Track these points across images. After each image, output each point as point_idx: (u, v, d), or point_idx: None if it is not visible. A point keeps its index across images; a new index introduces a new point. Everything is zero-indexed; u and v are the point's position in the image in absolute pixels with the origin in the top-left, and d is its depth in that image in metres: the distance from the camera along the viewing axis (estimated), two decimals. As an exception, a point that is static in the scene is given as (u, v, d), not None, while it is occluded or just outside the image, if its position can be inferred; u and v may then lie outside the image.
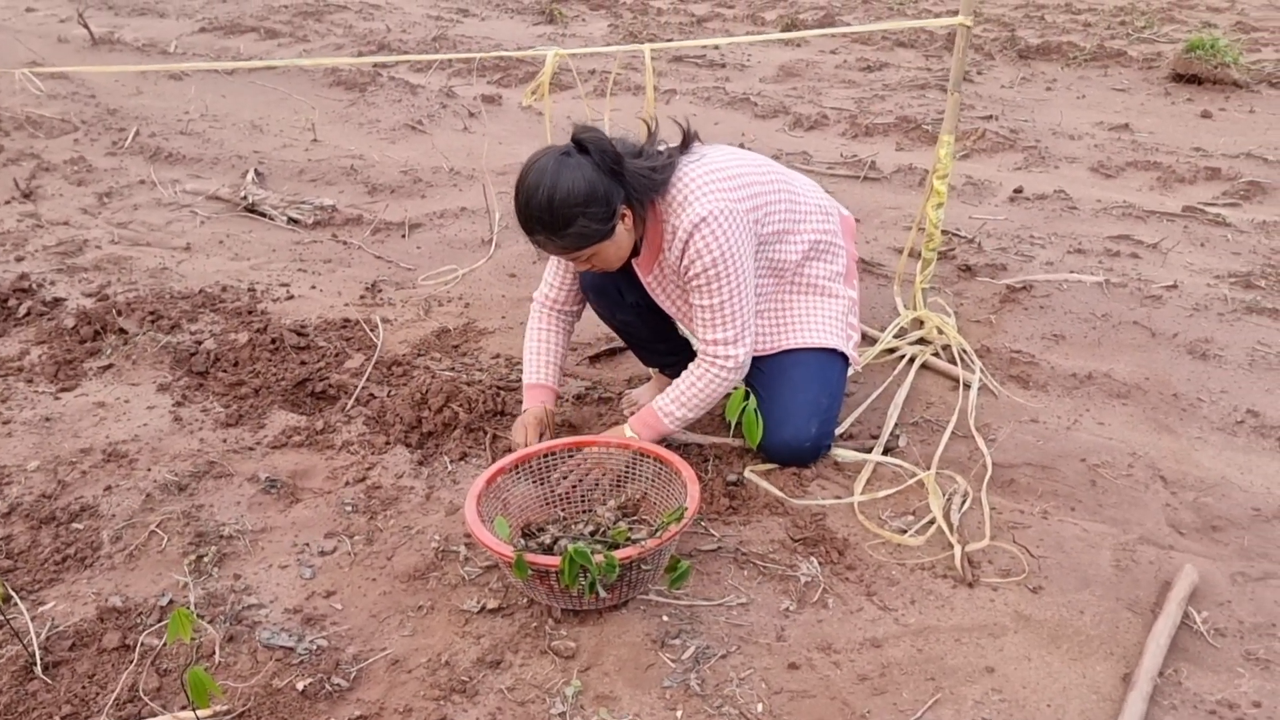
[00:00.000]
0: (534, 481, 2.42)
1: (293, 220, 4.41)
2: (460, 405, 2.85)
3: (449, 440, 2.76)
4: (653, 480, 2.40)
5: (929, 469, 2.64)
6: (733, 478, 2.58)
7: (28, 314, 3.41)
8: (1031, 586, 2.23)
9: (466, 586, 2.24)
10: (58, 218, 4.44)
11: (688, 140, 2.51)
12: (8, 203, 4.69)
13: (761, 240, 2.53)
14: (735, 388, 2.46)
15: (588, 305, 2.82)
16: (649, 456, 2.39)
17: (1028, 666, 2.02)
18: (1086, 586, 2.23)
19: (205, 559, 2.28)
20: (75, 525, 2.40)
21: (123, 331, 3.25)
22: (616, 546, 2.13)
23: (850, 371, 2.79)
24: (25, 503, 2.47)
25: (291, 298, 3.64)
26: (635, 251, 2.54)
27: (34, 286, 3.60)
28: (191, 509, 2.45)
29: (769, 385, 2.65)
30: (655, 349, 2.93)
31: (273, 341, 3.16)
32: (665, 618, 2.14)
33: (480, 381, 3.02)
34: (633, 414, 2.85)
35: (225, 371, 3.08)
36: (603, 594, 2.06)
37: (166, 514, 2.42)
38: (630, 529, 2.30)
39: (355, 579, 2.26)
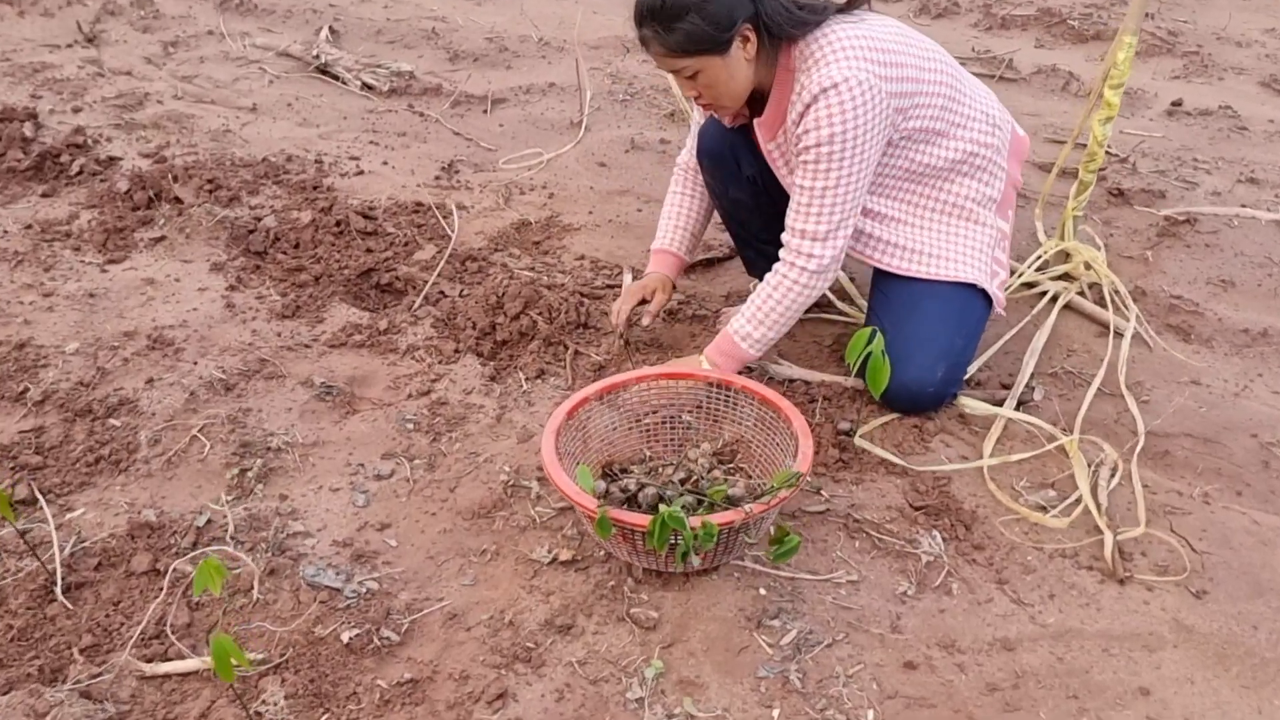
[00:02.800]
0: (619, 412, 2.12)
1: (367, 86, 4.06)
2: (539, 313, 2.54)
3: (525, 353, 2.46)
4: (754, 424, 2.08)
5: (1071, 433, 2.27)
6: (845, 426, 2.25)
7: (80, 173, 3.15)
8: (1194, 589, 1.89)
9: (537, 530, 1.97)
10: (120, 66, 4.14)
11: (855, 1, 2.12)
12: (69, 46, 4.40)
13: (903, 135, 2.16)
14: (816, 296, 2.19)
15: None
16: (753, 397, 2.07)
17: (1190, 692, 1.70)
18: (1260, 595, 1.88)
19: (249, 474, 2.04)
20: (112, 421, 2.17)
21: (178, 200, 2.98)
22: (710, 505, 1.83)
23: (992, 314, 2.41)
24: (61, 390, 2.24)
25: (361, 173, 3.32)
26: (759, 109, 2.18)
27: (89, 142, 3.34)
28: (238, 413, 2.20)
29: (895, 315, 2.30)
30: (763, 250, 2.56)
31: (338, 224, 2.87)
32: (762, 590, 1.85)
33: (562, 286, 2.70)
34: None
35: (284, 254, 2.80)
36: (695, 563, 1.77)
37: (210, 417, 2.18)
38: (726, 480, 2.00)
39: (413, 511, 2.01)
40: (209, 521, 1.93)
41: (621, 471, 2.08)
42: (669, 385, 2.13)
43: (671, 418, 2.14)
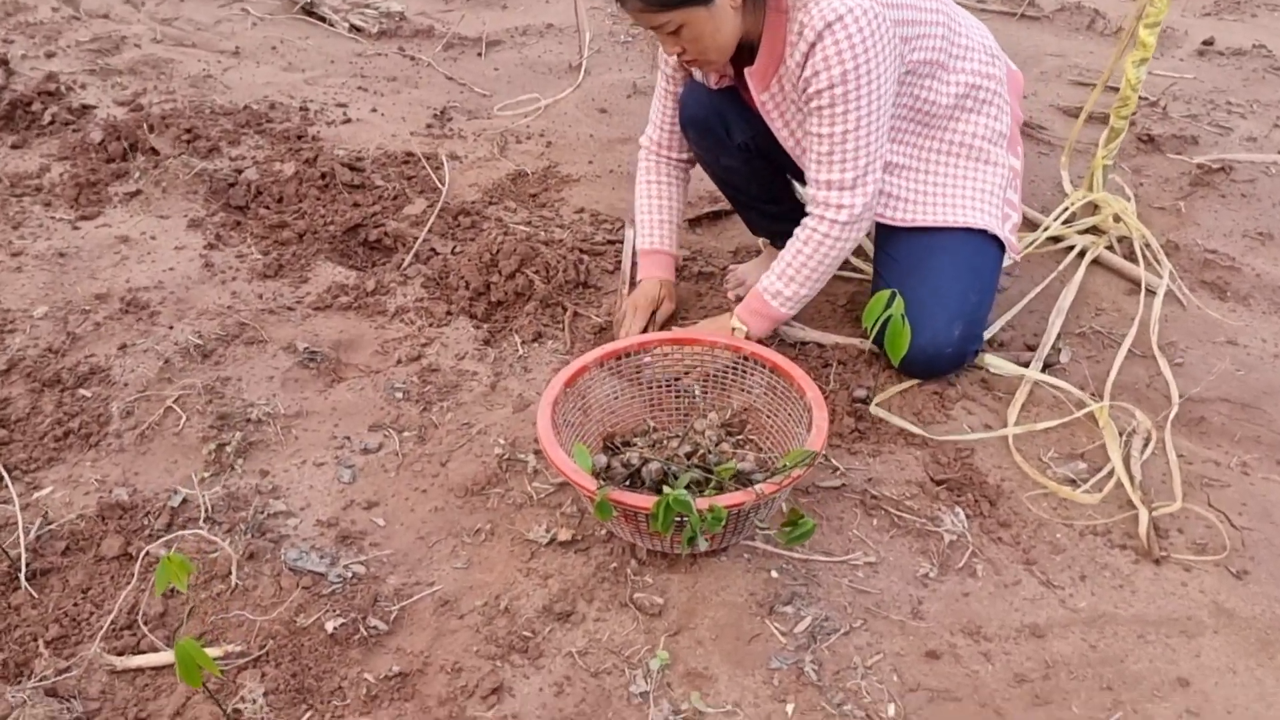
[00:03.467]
0: (621, 379, 1.98)
1: (355, 28, 3.87)
2: (536, 271, 2.39)
3: (521, 314, 2.32)
4: (764, 392, 1.95)
5: (1101, 399, 2.14)
6: (861, 393, 2.12)
7: (52, 122, 2.98)
8: (1234, 569, 1.77)
9: (534, 508, 1.85)
10: (97, 8, 3.94)
11: None
12: (44, -13, 4.19)
13: (908, 68, 1.99)
14: (851, 249, 2.04)
15: None
16: (763, 364, 1.93)
17: (1233, 682, 1.59)
18: (1305, 575, 1.77)
19: (228, 448, 1.91)
20: (82, 392, 2.04)
21: (154, 151, 2.82)
22: (719, 482, 1.71)
23: (1007, 261, 2.26)
24: (28, 357, 2.11)
25: (348, 121, 3.15)
26: (749, 58, 2.00)
27: (62, 89, 3.16)
28: (216, 382, 2.07)
29: (903, 273, 2.14)
30: (765, 210, 2.41)
31: (323, 176, 2.71)
32: (774, 573, 1.73)
33: (561, 242, 2.55)
34: (739, 297, 2.38)
35: (267, 208, 2.65)
36: (702, 545, 1.65)
37: (186, 386, 2.05)
38: (735, 454, 1.87)
39: (402, 488, 1.89)
40: (184, 501, 1.81)
41: (624, 444, 1.95)
42: (674, 351, 1.99)
43: (676, 385, 2.01)
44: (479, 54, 3.71)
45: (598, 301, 2.39)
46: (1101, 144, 2.60)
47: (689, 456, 1.85)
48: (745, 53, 2.00)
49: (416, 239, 2.53)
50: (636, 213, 2.36)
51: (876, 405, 2.08)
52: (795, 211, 2.41)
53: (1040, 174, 2.97)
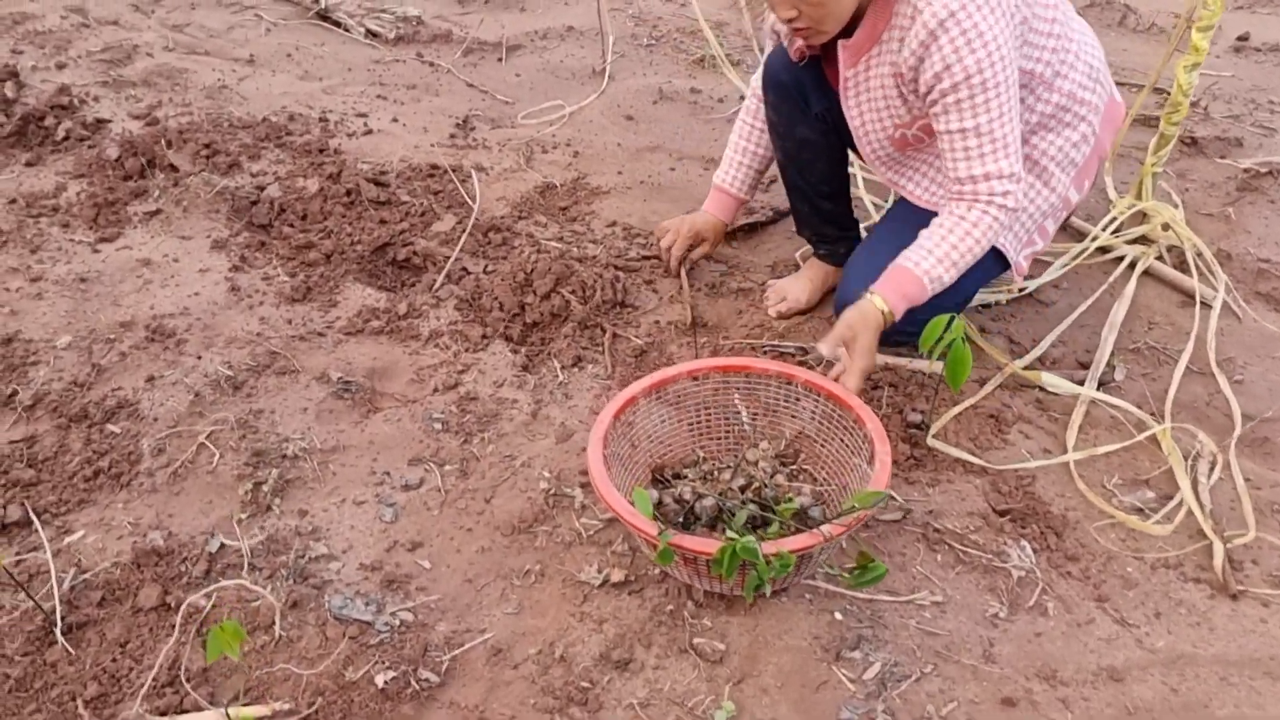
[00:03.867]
0: (669, 408, 1.91)
1: (371, 33, 3.79)
2: (572, 291, 2.32)
3: (558, 337, 2.25)
4: (815, 419, 1.87)
5: (1161, 419, 2.07)
6: (915, 418, 2.04)
7: (66, 138, 2.90)
8: (1315, 604, 1.70)
9: (583, 546, 1.79)
10: (106, 15, 3.85)
11: None
12: (51, -7, 4.10)
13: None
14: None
15: None
16: (816, 392, 1.86)
17: (1323, 728, 1.52)
18: (1387, 608, 1.70)
19: (264, 487, 1.85)
20: (111, 427, 1.97)
21: (173, 168, 2.74)
22: (767, 519, 1.64)
23: (1015, 282, 2.21)
24: (53, 391, 2.04)
25: (370, 132, 3.07)
26: (847, 32, 1.93)
27: (75, 103, 3.08)
28: (248, 415, 2.00)
29: (879, 231, 2.17)
30: (819, 205, 2.34)
31: (348, 193, 2.63)
32: (838, 615, 1.67)
33: (595, 259, 2.48)
34: (780, 313, 2.32)
35: (291, 226, 2.57)
36: (767, 591, 1.58)
37: (218, 421, 1.98)
38: (790, 486, 1.80)
39: (446, 526, 1.82)
40: (222, 546, 1.74)
41: (674, 476, 1.88)
42: (723, 379, 1.92)
43: (725, 412, 1.94)
44: (499, 59, 3.62)
45: (637, 322, 2.32)
46: (1151, 151, 2.52)
47: (743, 490, 1.78)
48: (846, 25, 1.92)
49: (448, 259, 2.45)
50: (727, 148, 2.39)
51: (934, 438, 2.00)
52: (845, 217, 2.36)
53: (1083, 180, 2.89)
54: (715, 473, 1.86)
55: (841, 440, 1.82)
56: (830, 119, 2.19)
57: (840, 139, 2.23)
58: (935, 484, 1.92)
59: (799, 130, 2.23)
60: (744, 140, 2.36)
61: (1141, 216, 2.58)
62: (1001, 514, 1.86)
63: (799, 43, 2.06)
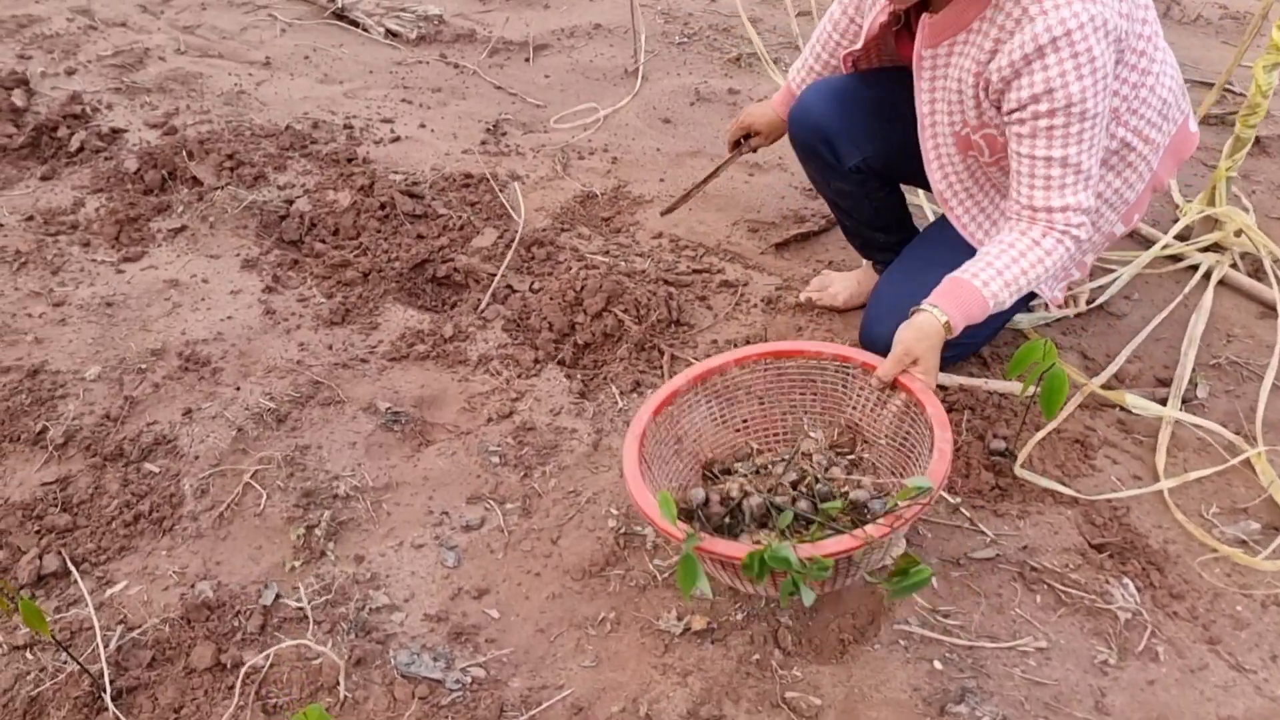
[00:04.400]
0: (718, 400, 1.81)
1: (391, 33, 3.65)
2: (625, 310, 2.21)
3: (613, 359, 2.14)
4: (876, 407, 1.76)
5: (1252, 441, 1.97)
6: (999, 445, 1.94)
7: (81, 149, 2.78)
8: None
9: (659, 590, 1.68)
10: (113, 17, 3.72)
11: None
12: (55, -6, 3.96)
13: None
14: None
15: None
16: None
17: None
18: None
19: (317, 531, 1.73)
20: (149, 466, 1.85)
21: (196, 181, 2.62)
22: (830, 518, 1.55)
23: (1052, 313, 2.13)
24: (85, 427, 1.93)
25: (397, 139, 2.95)
26: (936, 5, 1.79)
27: (88, 111, 2.95)
28: (295, 451, 1.89)
29: (906, 263, 2.04)
30: (874, 239, 2.24)
31: (382, 206, 2.51)
32: (938, 664, 1.56)
33: (644, 274, 2.36)
34: (812, 299, 2.26)
35: (323, 242, 2.46)
36: (809, 598, 1.44)
37: (264, 460, 1.87)
38: (847, 480, 1.69)
39: (512, 571, 1.71)
40: (277, 598, 1.63)
41: (724, 472, 1.78)
42: (773, 364, 1.81)
43: (780, 403, 1.84)
44: (526, 59, 3.49)
45: (694, 341, 2.21)
46: (1225, 154, 2.41)
47: (795, 485, 1.68)
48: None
49: (491, 276, 2.34)
50: (811, 39, 2.24)
51: (1021, 466, 1.89)
52: (902, 242, 2.23)
53: (1144, 182, 2.78)
54: (768, 466, 1.76)
55: (906, 430, 1.71)
56: (869, 167, 2.07)
57: (883, 183, 2.12)
58: (1025, 516, 1.82)
59: (834, 184, 2.14)
60: (819, 41, 2.19)
61: (1212, 222, 2.47)
62: (1098, 549, 1.76)
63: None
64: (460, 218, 2.51)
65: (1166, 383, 2.14)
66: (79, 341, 2.13)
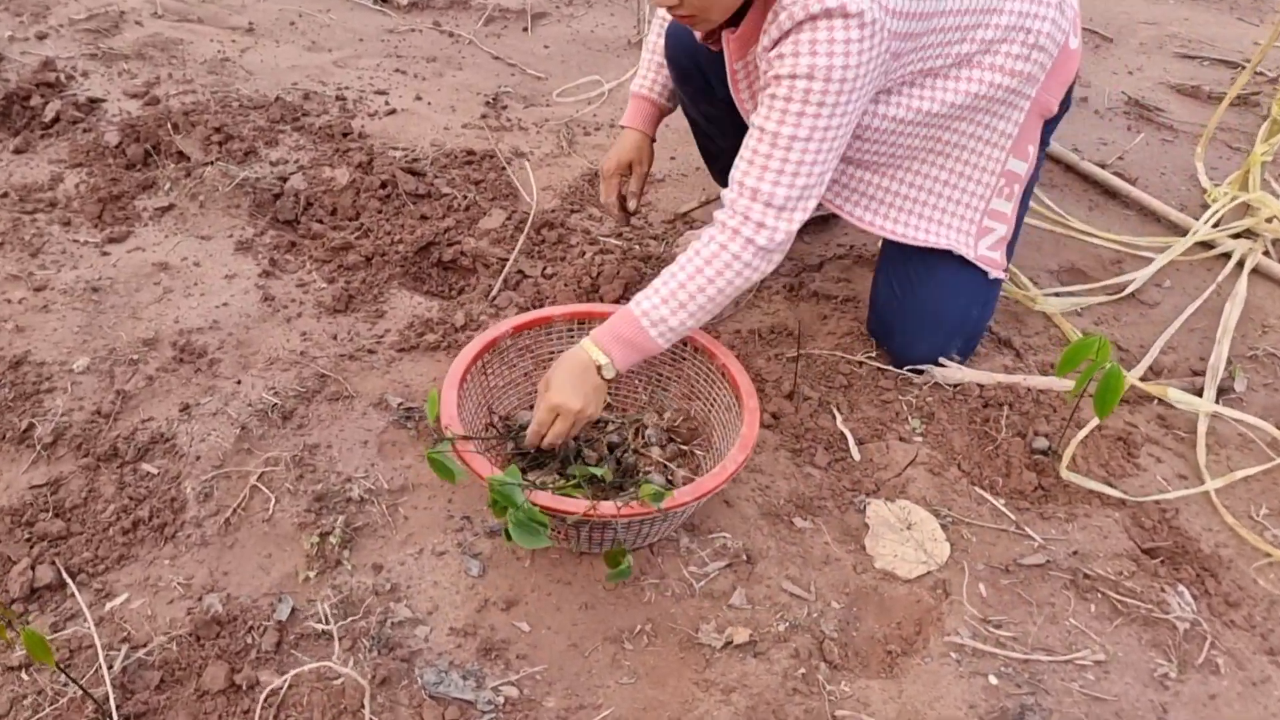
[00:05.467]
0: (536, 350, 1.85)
1: (381, -1, 3.49)
2: (644, 299, 2.10)
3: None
4: (721, 408, 1.76)
5: (1299, 437, 1.91)
6: (1041, 444, 1.86)
7: (57, 120, 2.61)
8: None
9: (696, 600, 1.59)
10: (84, -23, 3.51)
11: None
12: (20, -48, 3.75)
13: (899, 81, 1.70)
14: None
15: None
16: (726, 376, 1.73)
17: None
18: None
19: (331, 538, 1.63)
20: (146, 467, 1.73)
21: (182, 156, 2.47)
22: (580, 474, 1.64)
23: (995, 274, 1.98)
24: (75, 424, 1.80)
25: (393, 112, 2.81)
26: (735, 20, 1.70)
27: (62, 79, 2.78)
28: (303, 451, 1.77)
29: (904, 282, 1.97)
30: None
31: (383, 185, 2.38)
32: (993, 679, 1.49)
33: (660, 258, 2.26)
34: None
35: (320, 222, 2.33)
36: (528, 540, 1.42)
37: (270, 460, 1.75)
38: (658, 461, 1.71)
39: (541, 580, 1.61)
40: (293, 612, 1.52)
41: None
42: (580, 326, 1.84)
43: (643, 373, 1.88)
44: (524, 28, 3.35)
45: (715, 331, 2.11)
46: (1261, 138, 2.34)
47: (612, 448, 1.72)
48: (735, 14, 1.68)
49: (502, 261, 2.22)
50: (644, 53, 2.13)
51: (1067, 468, 1.82)
52: None
53: (1168, 165, 2.71)
54: (605, 424, 1.78)
55: (729, 426, 1.70)
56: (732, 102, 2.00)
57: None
58: (1072, 519, 1.75)
59: (704, 108, 2.10)
60: (659, 43, 2.10)
61: (1244, 208, 2.41)
62: (1149, 553, 1.69)
63: None
64: (465, 197, 2.39)
65: (1201, 374, 2.08)
66: (64, 330, 2.00)
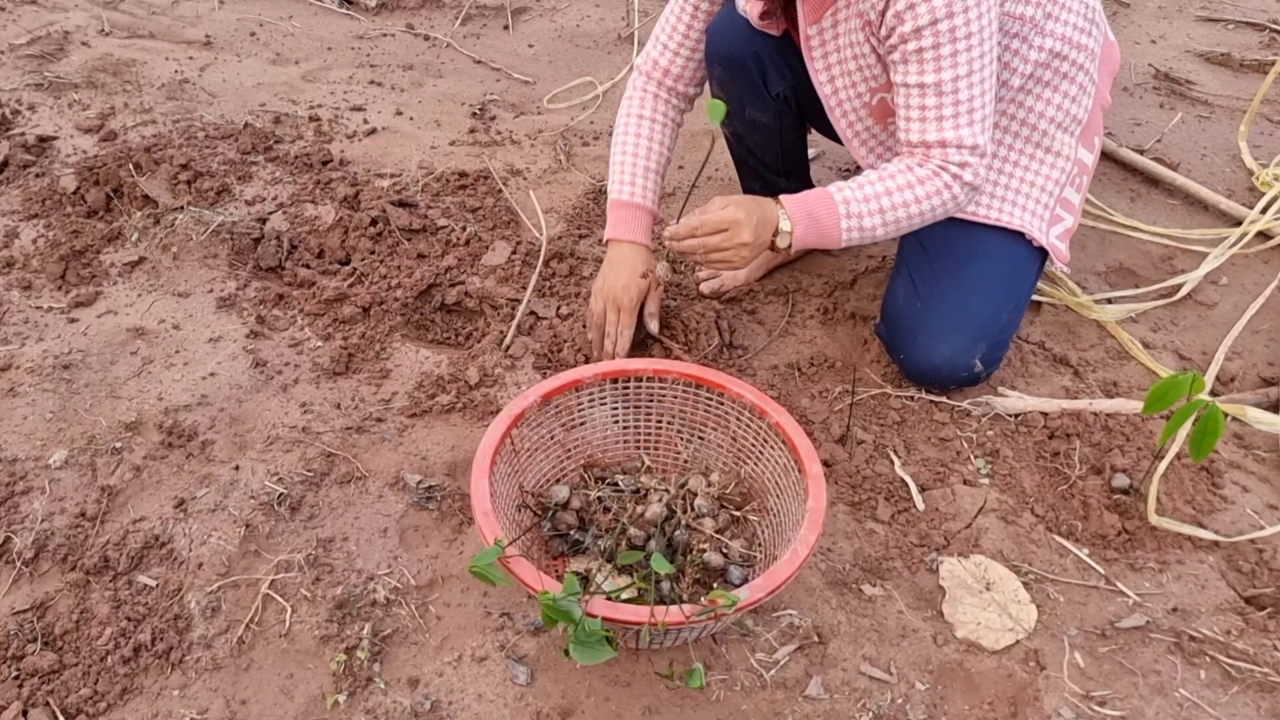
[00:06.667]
0: (623, 403, 1.68)
1: (347, 1, 3.24)
2: (674, 337, 1.93)
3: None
4: (777, 470, 1.58)
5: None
6: (1121, 481, 1.72)
7: (4, 165, 2.38)
8: None
9: (768, 691, 1.44)
10: (21, -7, 3.25)
11: None
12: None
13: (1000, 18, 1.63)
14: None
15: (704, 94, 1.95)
16: (783, 439, 1.54)
17: None
18: None
19: (359, 652, 1.45)
20: (142, 579, 1.55)
21: (149, 200, 2.25)
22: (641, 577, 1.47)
23: (1057, 268, 1.90)
24: (57, 531, 1.61)
25: (373, 131, 2.60)
26: None
27: (8, 115, 2.55)
28: (317, 549, 1.60)
29: (933, 274, 1.81)
30: (774, 182, 2.05)
31: (373, 223, 2.18)
32: (1106, 768, 1.35)
33: (684, 289, 2.08)
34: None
35: (308, 267, 2.13)
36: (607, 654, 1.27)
37: (282, 562, 1.57)
38: (713, 537, 1.53)
39: (597, 683, 1.45)
40: (326, 750, 1.36)
41: (599, 479, 1.64)
42: (692, 389, 1.66)
43: (688, 426, 1.69)
44: (505, 26, 3.12)
45: (752, 369, 1.95)
46: (1316, 118, 2.18)
47: (664, 523, 1.54)
48: None
49: (512, 303, 2.03)
50: (614, 152, 1.89)
51: (1158, 516, 1.67)
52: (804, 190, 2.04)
53: (1208, 145, 2.55)
54: (648, 491, 1.60)
55: (791, 495, 1.53)
56: (793, 100, 1.88)
57: (800, 118, 1.93)
58: (1164, 567, 1.61)
59: (749, 112, 1.92)
60: (640, 140, 1.87)
61: (1295, 192, 2.26)
62: (1252, 602, 1.56)
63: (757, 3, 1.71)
64: (464, 230, 2.19)
65: (1272, 381, 1.94)
66: (35, 418, 1.80)
